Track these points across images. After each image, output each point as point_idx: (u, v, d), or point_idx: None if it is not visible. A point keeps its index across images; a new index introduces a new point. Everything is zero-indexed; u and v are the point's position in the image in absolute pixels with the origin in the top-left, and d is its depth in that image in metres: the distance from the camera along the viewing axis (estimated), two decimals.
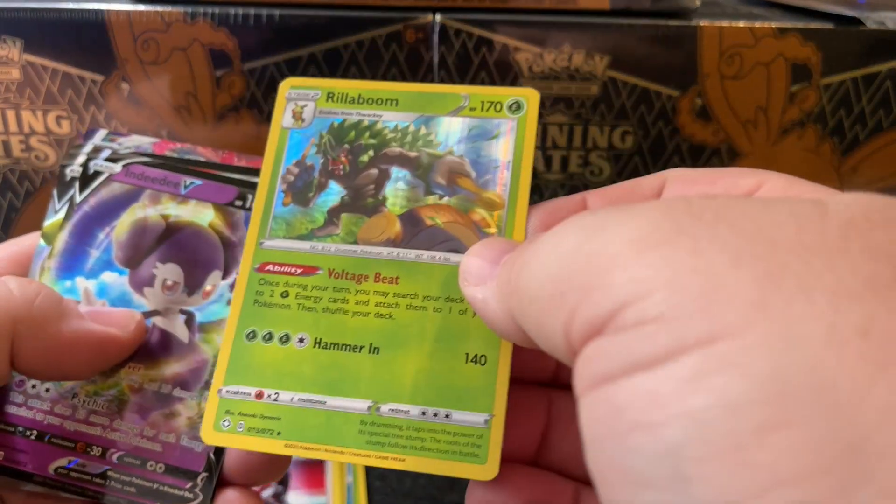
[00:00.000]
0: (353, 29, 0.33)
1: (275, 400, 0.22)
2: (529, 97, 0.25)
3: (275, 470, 0.24)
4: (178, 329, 0.25)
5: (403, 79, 0.34)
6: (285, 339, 0.23)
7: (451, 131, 0.25)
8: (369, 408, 0.22)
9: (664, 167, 0.36)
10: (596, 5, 0.34)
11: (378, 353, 0.22)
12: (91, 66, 0.33)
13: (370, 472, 0.41)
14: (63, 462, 0.24)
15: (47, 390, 0.25)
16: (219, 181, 0.27)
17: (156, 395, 0.25)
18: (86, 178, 0.27)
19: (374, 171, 0.24)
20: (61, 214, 0.27)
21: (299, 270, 0.23)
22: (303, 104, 0.25)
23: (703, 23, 0.33)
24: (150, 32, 0.33)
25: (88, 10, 0.33)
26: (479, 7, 0.34)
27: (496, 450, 0.21)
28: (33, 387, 0.25)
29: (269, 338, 0.23)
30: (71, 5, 0.33)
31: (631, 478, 0.13)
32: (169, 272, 0.26)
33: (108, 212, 0.27)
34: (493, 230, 0.23)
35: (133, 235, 0.26)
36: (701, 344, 0.13)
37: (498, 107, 0.25)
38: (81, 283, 0.26)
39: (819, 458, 0.11)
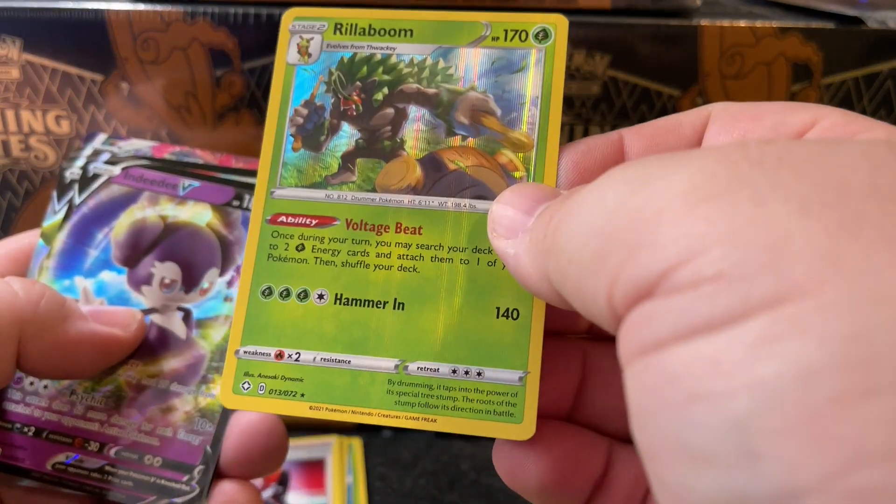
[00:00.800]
0: None
1: (296, 360, 0.21)
2: (557, 24, 0.22)
3: (271, 462, 0.24)
4: (176, 326, 0.26)
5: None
6: (304, 295, 0.21)
7: (472, 64, 0.23)
8: (396, 366, 0.21)
9: None
10: (597, 4, 0.34)
11: (403, 308, 0.21)
12: (90, 65, 0.33)
13: (370, 472, 0.41)
14: (61, 458, 0.24)
15: (45, 387, 0.25)
16: (216, 182, 0.27)
17: (153, 390, 0.25)
18: (85, 181, 0.27)
19: (390, 111, 0.23)
20: (60, 215, 0.27)
21: (314, 221, 0.22)
22: (308, 37, 0.23)
23: (704, 22, 0.33)
24: (150, 32, 0.33)
25: (88, 10, 0.32)
26: (479, 7, 0.34)
27: (532, 408, 0.20)
28: (31, 384, 0.25)
29: (286, 294, 0.21)
30: (70, 5, 0.33)
31: (689, 454, 0.12)
32: (167, 271, 0.26)
33: (106, 213, 0.27)
34: (521, 173, 0.22)
35: (131, 235, 0.26)
36: (769, 304, 0.11)
37: (523, 35, 0.22)
38: (80, 282, 0.26)
39: None
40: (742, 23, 0.33)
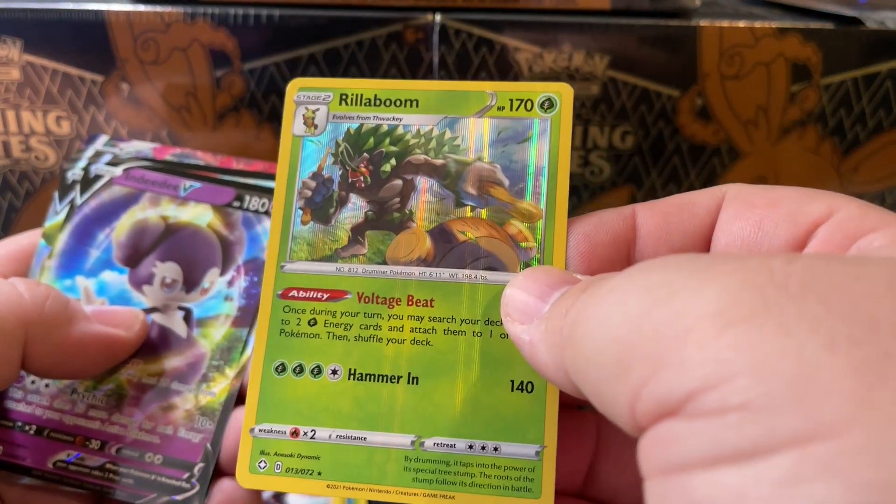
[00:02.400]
0: (352, 29, 0.33)
1: (312, 438, 0.21)
2: (562, 93, 0.23)
3: None
4: (177, 325, 0.26)
5: (403, 78, 0.34)
6: (317, 371, 0.21)
7: (478, 134, 0.23)
8: (413, 442, 0.21)
9: (664, 167, 0.36)
10: (596, 5, 0.34)
11: (417, 382, 0.21)
12: (91, 66, 0.33)
13: None
14: (62, 456, 0.24)
15: (46, 385, 0.25)
16: (217, 184, 0.27)
17: (154, 389, 0.25)
18: (87, 182, 0.27)
19: (399, 182, 0.23)
20: (62, 216, 0.27)
21: (326, 295, 0.22)
22: (314, 108, 0.24)
23: (704, 23, 0.33)
24: (150, 33, 0.33)
25: (88, 11, 0.33)
26: (479, 7, 0.34)
27: (550, 483, 0.20)
28: (32, 382, 0.25)
29: (299, 370, 0.21)
30: (71, 5, 0.33)
31: None
32: (168, 270, 0.26)
33: (108, 213, 0.27)
34: (530, 244, 0.22)
35: (133, 236, 0.27)
36: (796, 442, 0.11)
37: (528, 105, 0.23)
38: (81, 281, 0.26)
39: None
40: (741, 23, 0.33)
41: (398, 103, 0.23)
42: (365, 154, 0.23)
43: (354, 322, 0.22)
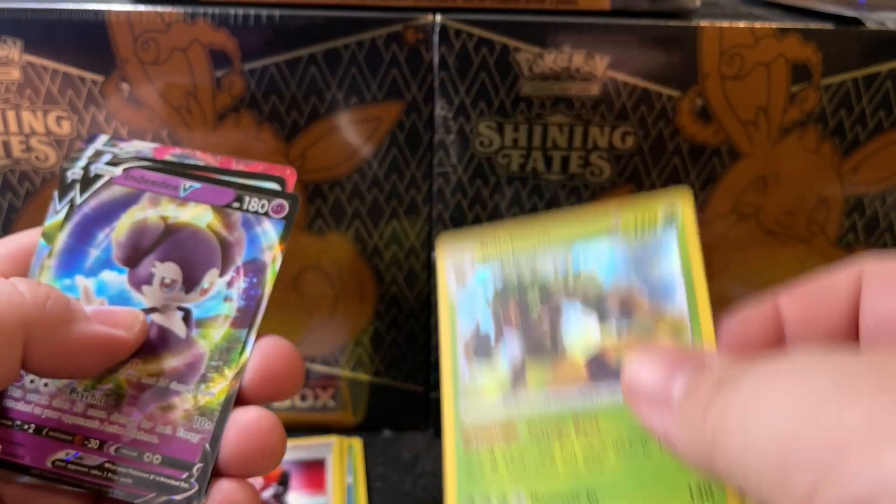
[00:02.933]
0: (353, 29, 0.33)
1: None
2: (682, 200, 0.24)
3: (269, 461, 0.25)
4: (176, 325, 0.26)
5: (403, 79, 0.34)
6: (503, 500, 0.23)
7: (611, 257, 0.24)
8: None
9: (664, 167, 0.36)
10: (596, 6, 0.34)
11: (597, 499, 0.22)
12: (91, 66, 0.34)
13: (370, 472, 0.41)
14: (61, 455, 0.24)
15: (45, 385, 0.25)
16: (217, 184, 0.27)
17: (153, 388, 0.25)
18: (86, 181, 0.27)
19: (546, 316, 0.25)
20: (62, 215, 0.27)
21: (501, 436, 0.24)
22: (461, 261, 0.26)
23: (704, 23, 0.33)
24: (150, 33, 0.33)
25: (88, 11, 0.33)
26: (479, 7, 0.34)
27: None
28: (31, 381, 0.25)
29: (487, 501, 0.23)
30: (71, 6, 0.33)
31: None
32: (167, 271, 0.26)
33: (107, 213, 0.27)
34: None
35: (132, 236, 0.27)
36: None
37: (652, 219, 0.24)
38: (81, 281, 0.26)
39: None
40: (741, 23, 0.33)
41: (533, 242, 0.26)
42: (512, 295, 0.25)
43: (529, 455, 0.23)
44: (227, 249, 0.27)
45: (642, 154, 0.36)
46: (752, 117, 0.35)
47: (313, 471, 0.40)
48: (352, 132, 0.35)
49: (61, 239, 0.27)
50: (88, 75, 0.34)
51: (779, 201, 0.37)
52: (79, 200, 0.27)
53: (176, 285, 0.26)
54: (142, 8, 0.33)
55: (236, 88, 0.34)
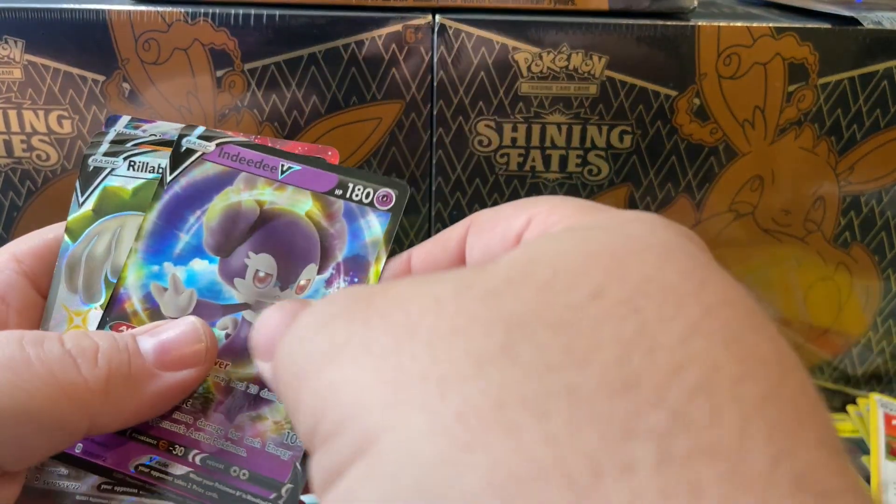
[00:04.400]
0: (353, 29, 0.33)
1: None
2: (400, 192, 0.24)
3: None
4: None
5: (402, 78, 0.34)
6: None
7: None
8: None
9: (662, 166, 0.36)
10: (594, 6, 0.34)
11: None
12: (92, 66, 0.34)
13: None
14: (144, 460, 0.22)
15: None
16: (319, 167, 0.25)
17: (242, 395, 0.23)
18: (177, 157, 0.25)
19: None
20: (86, 207, 0.25)
21: None
22: None
23: (701, 23, 0.34)
24: (151, 32, 0.33)
25: (90, 11, 0.33)
26: (478, 7, 0.34)
27: None
28: None
29: None
30: (72, 5, 0.33)
31: None
32: (262, 263, 0.24)
33: (199, 194, 0.25)
34: None
35: (225, 221, 0.24)
36: (358, 454, 0.13)
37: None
38: (169, 268, 0.24)
39: None
40: (738, 23, 0.34)
41: None
42: None
43: None
44: (327, 243, 0.24)
45: (640, 153, 0.36)
46: (749, 116, 0.35)
47: None
48: (352, 132, 0.35)
49: (149, 220, 0.24)
50: (90, 75, 0.34)
51: (775, 200, 0.37)
52: (168, 178, 0.25)
53: (270, 280, 0.24)
54: (143, 8, 0.33)
55: (237, 88, 0.34)
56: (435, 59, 0.34)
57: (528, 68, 0.34)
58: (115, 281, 0.25)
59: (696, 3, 0.34)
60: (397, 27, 0.33)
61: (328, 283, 0.24)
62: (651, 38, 0.34)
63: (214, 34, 0.33)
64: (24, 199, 0.36)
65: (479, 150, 0.36)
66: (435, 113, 0.35)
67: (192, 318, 0.23)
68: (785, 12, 0.38)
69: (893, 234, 0.39)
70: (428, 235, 0.38)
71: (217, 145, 0.25)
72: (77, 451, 0.23)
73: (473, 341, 0.13)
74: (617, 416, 0.11)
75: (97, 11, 0.33)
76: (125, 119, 0.26)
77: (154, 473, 0.22)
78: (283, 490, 0.22)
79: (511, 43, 0.34)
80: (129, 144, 0.25)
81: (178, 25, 0.33)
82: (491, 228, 0.20)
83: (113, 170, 0.25)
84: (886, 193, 0.38)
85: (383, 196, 0.24)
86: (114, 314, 0.24)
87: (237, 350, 0.23)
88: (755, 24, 0.34)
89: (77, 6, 0.33)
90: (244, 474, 0.22)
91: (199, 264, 0.24)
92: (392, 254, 0.24)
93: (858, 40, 0.34)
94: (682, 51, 0.34)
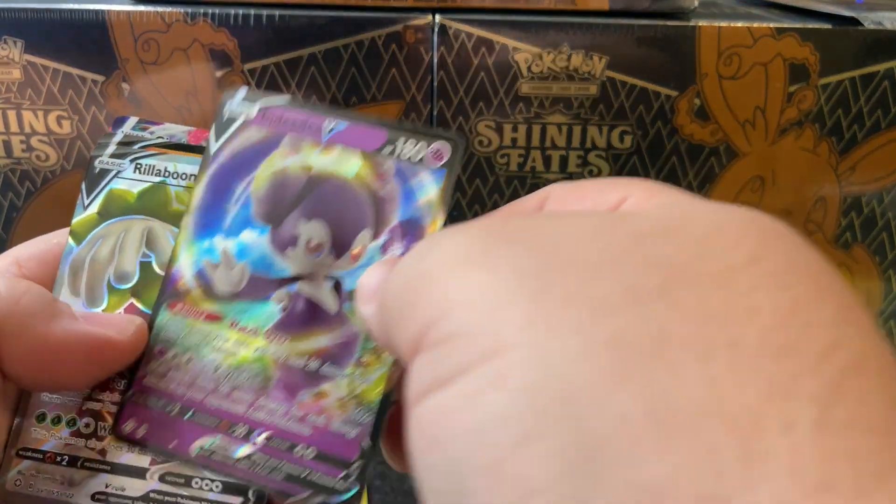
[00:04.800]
0: (352, 29, 0.33)
1: None
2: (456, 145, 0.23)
3: None
4: (325, 297, 0.23)
5: (402, 78, 0.34)
6: None
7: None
8: None
9: (663, 167, 0.36)
10: (594, 6, 0.34)
11: None
12: (92, 66, 0.34)
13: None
14: (205, 442, 0.22)
15: (188, 361, 0.23)
16: (366, 124, 0.23)
17: (302, 371, 0.22)
18: (220, 125, 0.24)
19: None
20: (92, 210, 0.25)
21: None
22: None
23: (702, 23, 0.33)
24: (151, 33, 0.33)
25: (89, 11, 0.33)
26: (478, 8, 0.34)
27: None
28: (174, 357, 0.23)
29: None
30: (72, 6, 0.33)
31: (433, 496, 0.14)
32: (313, 231, 0.23)
33: (245, 161, 0.23)
34: None
35: (273, 189, 0.23)
36: (481, 361, 0.13)
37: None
38: (220, 242, 0.23)
39: (561, 466, 0.12)
40: (739, 23, 0.34)
41: None
42: None
43: None
44: (379, 206, 0.23)
45: (640, 153, 0.36)
46: (750, 117, 0.35)
47: None
48: None
49: (197, 194, 0.24)
50: (89, 75, 0.34)
51: (776, 200, 0.37)
52: (213, 148, 0.24)
53: (324, 249, 0.23)
54: (142, 8, 0.33)
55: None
56: (435, 60, 0.34)
57: (529, 68, 0.34)
58: (118, 286, 0.24)
59: (696, 4, 0.34)
60: (397, 27, 0.33)
61: (384, 248, 0.23)
62: (651, 39, 0.34)
63: (214, 34, 0.33)
64: (23, 200, 0.36)
65: (479, 151, 0.36)
66: (435, 113, 0.35)
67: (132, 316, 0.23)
68: (785, 12, 0.38)
69: (894, 235, 0.39)
70: None
71: (259, 109, 0.24)
72: (139, 434, 0.22)
73: (628, 275, 0.13)
74: (778, 376, 0.12)
75: (96, 12, 0.33)
76: (133, 120, 0.25)
77: (216, 456, 0.22)
78: (353, 468, 0.21)
79: (511, 43, 0.33)
80: (135, 146, 0.25)
81: (178, 26, 0.33)
82: (577, 201, 0.20)
83: (119, 172, 0.25)
84: (887, 194, 0.38)
85: (436, 152, 0.23)
86: (168, 293, 0.23)
87: (295, 324, 0.23)
88: (756, 25, 0.34)
89: (76, 6, 0.33)
90: (310, 453, 0.22)
91: (249, 235, 0.23)
92: (449, 216, 0.23)
93: (859, 40, 0.34)
94: (683, 51, 0.34)
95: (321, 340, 0.22)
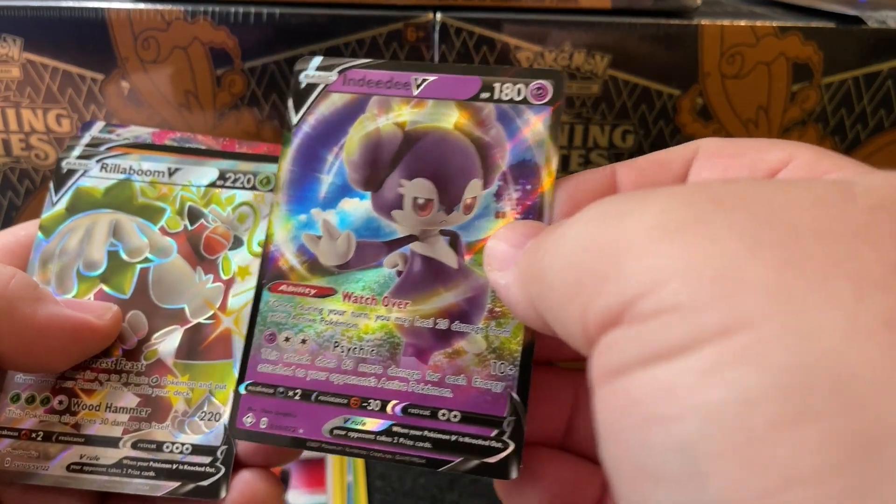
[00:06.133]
0: (353, 27, 0.33)
1: None
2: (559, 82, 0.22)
3: (290, 452, 0.24)
4: (443, 253, 0.22)
5: None
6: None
7: None
8: None
9: None
10: (597, 4, 0.34)
11: None
12: (91, 64, 0.33)
13: (370, 471, 0.41)
14: (338, 422, 0.21)
15: (303, 342, 0.22)
16: (457, 73, 0.23)
17: (431, 332, 0.21)
18: (299, 94, 0.23)
19: None
20: (60, 206, 0.26)
21: None
22: None
23: (705, 22, 0.33)
24: (151, 31, 0.33)
25: (89, 9, 0.32)
26: (479, 6, 0.34)
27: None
28: (286, 340, 0.22)
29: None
30: (71, 3, 0.33)
31: (645, 473, 0.13)
32: (418, 189, 0.22)
33: (332, 129, 0.23)
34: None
35: (367, 152, 0.23)
36: (718, 335, 0.12)
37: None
38: (318, 214, 0.23)
39: (836, 455, 0.11)
40: (742, 22, 0.33)
41: None
42: None
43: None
44: (485, 152, 0.22)
45: (643, 153, 0.36)
46: (753, 116, 0.35)
47: (313, 469, 0.40)
48: None
49: (284, 169, 0.23)
50: (88, 73, 0.34)
51: None
52: (294, 119, 0.23)
53: (432, 205, 0.22)
54: (142, 6, 0.33)
55: (237, 87, 0.34)
56: (436, 58, 0.34)
57: (530, 67, 0.34)
58: (88, 274, 0.25)
59: (699, 2, 0.34)
60: (398, 25, 0.33)
61: (497, 196, 0.22)
62: (654, 37, 0.33)
63: (214, 33, 0.33)
64: (22, 199, 0.36)
65: None
66: None
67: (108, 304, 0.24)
68: (789, 11, 0.38)
69: None
70: None
71: (339, 73, 0.23)
72: (263, 426, 0.21)
73: (886, 251, 0.12)
74: None
75: (96, 10, 0.32)
76: (100, 124, 0.27)
77: (352, 434, 0.21)
78: (505, 424, 0.20)
79: (513, 42, 0.33)
80: (102, 148, 0.26)
81: (178, 24, 0.33)
82: (733, 155, 0.20)
83: (86, 171, 0.26)
84: None
85: (537, 89, 0.22)
86: (269, 274, 0.23)
87: (415, 285, 0.22)
88: (759, 23, 0.33)
89: (76, 4, 0.33)
90: (455, 416, 0.21)
91: (349, 204, 0.22)
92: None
93: (863, 40, 0.34)
94: (686, 50, 0.34)
95: (446, 298, 0.22)
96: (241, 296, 0.25)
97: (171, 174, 0.26)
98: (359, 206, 0.22)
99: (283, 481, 0.40)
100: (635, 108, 0.35)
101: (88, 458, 0.23)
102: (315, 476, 0.40)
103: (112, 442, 0.24)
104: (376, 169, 0.22)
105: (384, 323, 0.22)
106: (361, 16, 0.33)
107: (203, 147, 0.26)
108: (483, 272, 0.21)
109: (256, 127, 0.35)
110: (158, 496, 0.23)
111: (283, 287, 0.23)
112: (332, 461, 0.40)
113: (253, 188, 0.26)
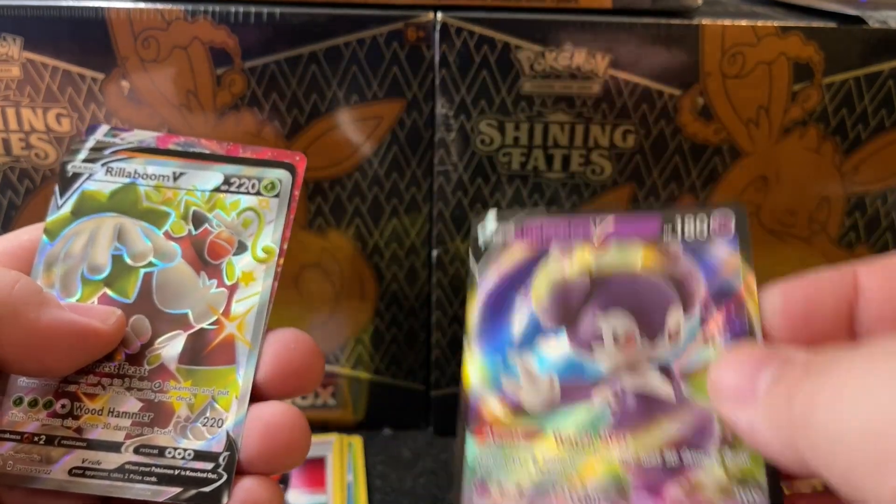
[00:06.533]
0: (354, 27, 0.33)
1: None
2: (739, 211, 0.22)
3: (294, 457, 0.23)
4: (657, 385, 0.21)
5: (404, 77, 0.34)
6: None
7: None
8: None
9: (665, 166, 0.36)
10: (597, 4, 0.34)
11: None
12: (91, 63, 0.33)
13: (370, 470, 0.41)
14: None
15: (519, 488, 0.21)
16: (635, 214, 0.23)
17: (661, 467, 0.20)
18: (478, 251, 0.23)
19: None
20: (64, 210, 0.26)
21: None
22: None
23: (705, 21, 0.33)
24: (151, 30, 0.33)
25: (89, 8, 0.32)
26: (480, 5, 0.34)
27: None
28: (499, 489, 0.21)
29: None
30: (71, 3, 0.32)
31: None
32: (617, 323, 0.22)
33: (516, 278, 0.23)
34: None
35: (556, 297, 0.23)
36: None
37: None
38: (514, 357, 0.23)
39: None
40: (743, 22, 0.33)
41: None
42: None
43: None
44: (679, 283, 0.22)
45: (643, 153, 0.36)
46: (754, 116, 0.35)
47: (313, 469, 0.40)
48: (352, 130, 0.35)
49: (474, 313, 0.23)
50: (88, 73, 0.34)
51: (780, 200, 0.37)
52: (476, 272, 0.23)
53: (634, 337, 0.22)
54: (142, 5, 0.33)
55: (237, 86, 0.34)
56: (436, 58, 0.34)
57: (531, 67, 0.34)
58: (92, 278, 0.25)
59: (700, 2, 0.34)
60: (399, 25, 0.33)
61: (703, 321, 0.21)
62: (655, 37, 0.33)
63: (214, 32, 0.33)
64: (22, 198, 0.36)
65: (480, 150, 0.35)
66: (436, 112, 0.35)
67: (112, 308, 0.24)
68: (790, 11, 0.38)
69: None
70: (429, 235, 0.38)
71: (514, 223, 0.23)
72: None
73: None
74: None
75: (96, 9, 0.32)
76: (105, 128, 0.27)
77: None
78: None
79: (513, 41, 0.33)
80: (106, 151, 0.26)
81: (178, 23, 0.33)
82: None
83: (91, 175, 0.26)
84: (892, 194, 0.37)
85: (720, 223, 0.22)
86: (471, 422, 0.22)
87: (632, 419, 0.21)
88: (760, 23, 0.33)
89: (76, 3, 0.32)
90: None
91: (545, 343, 0.22)
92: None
93: (864, 39, 0.34)
94: (687, 49, 0.34)
95: (668, 429, 0.21)
96: (245, 301, 0.25)
97: (175, 178, 0.26)
98: (556, 345, 0.22)
99: (283, 481, 0.40)
100: (636, 108, 0.35)
101: (90, 463, 0.23)
102: (315, 476, 0.40)
103: (114, 446, 0.24)
104: (569, 308, 0.22)
105: (606, 462, 0.21)
106: (361, 15, 0.33)
107: (207, 151, 0.26)
108: (705, 400, 0.21)
109: (257, 127, 0.35)
110: (160, 501, 0.23)
111: (488, 434, 0.22)
112: (331, 461, 0.40)
113: (258, 193, 0.26)
